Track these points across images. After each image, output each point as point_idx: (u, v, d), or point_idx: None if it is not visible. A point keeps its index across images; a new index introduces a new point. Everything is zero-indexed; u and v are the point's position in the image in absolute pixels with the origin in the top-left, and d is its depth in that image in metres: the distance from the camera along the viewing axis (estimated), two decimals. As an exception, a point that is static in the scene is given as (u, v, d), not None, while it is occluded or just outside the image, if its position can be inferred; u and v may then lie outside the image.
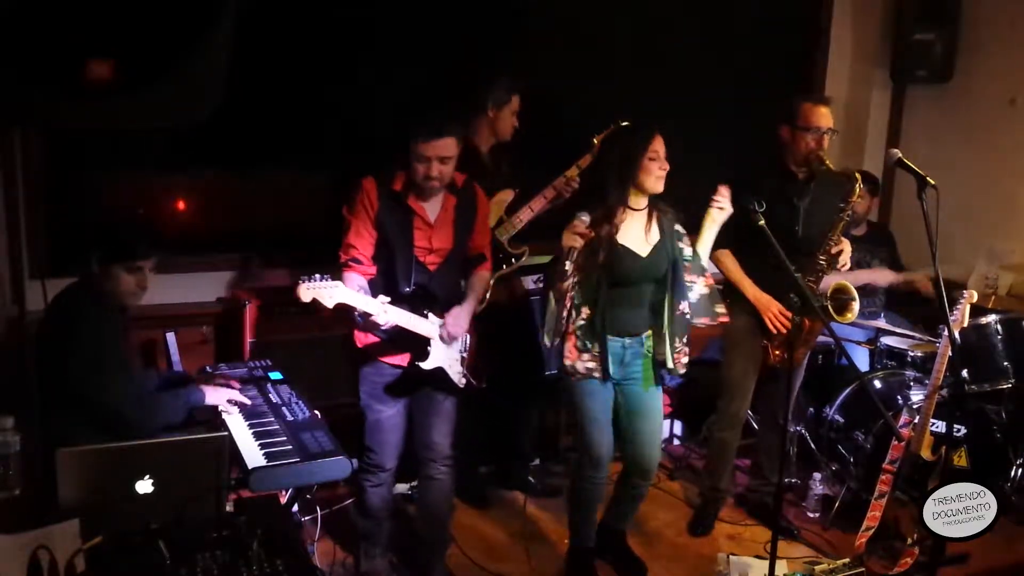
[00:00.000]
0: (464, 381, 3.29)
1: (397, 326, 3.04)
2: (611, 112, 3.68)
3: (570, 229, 2.95)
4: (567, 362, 3.16)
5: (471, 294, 3.29)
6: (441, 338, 3.16)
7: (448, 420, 3.31)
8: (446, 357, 3.21)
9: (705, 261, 3.29)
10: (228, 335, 3.92)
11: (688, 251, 3.24)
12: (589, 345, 3.14)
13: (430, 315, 3.14)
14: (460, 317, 3.17)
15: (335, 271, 3.04)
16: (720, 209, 3.23)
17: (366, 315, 2.97)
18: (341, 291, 2.87)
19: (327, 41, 3.95)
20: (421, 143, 2.99)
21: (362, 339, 3.23)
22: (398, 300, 3.07)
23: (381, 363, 3.22)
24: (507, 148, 3.92)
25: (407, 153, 3.04)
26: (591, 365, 3.15)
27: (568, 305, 3.07)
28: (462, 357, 3.29)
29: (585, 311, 3.13)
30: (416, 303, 3.12)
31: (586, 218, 2.97)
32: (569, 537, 3.55)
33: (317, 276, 2.83)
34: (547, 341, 3.13)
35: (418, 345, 3.14)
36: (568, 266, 2.94)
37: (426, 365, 3.14)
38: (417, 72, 4.11)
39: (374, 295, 3.03)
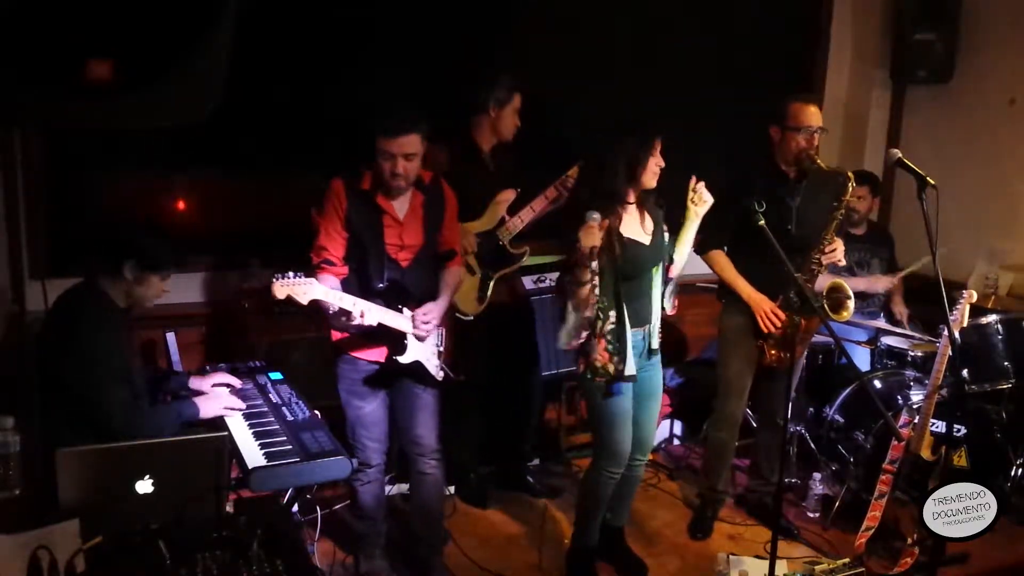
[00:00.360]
0: (442, 374, 3.31)
1: (375, 323, 3.05)
2: (611, 112, 3.68)
3: (587, 230, 2.93)
4: (597, 364, 3.12)
5: (444, 290, 3.30)
6: (416, 337, 3.18)
7: (431, 413, 3.33)
8: (423, 351, 3.22)
9: (683, 254, 3.31)
10: (227, 335, 3.92)
11: (667, 236, 3.27)
12: (619, 346, 3.14)
13: (405, 310, 3.15)
14: (428, 315, 3.17)
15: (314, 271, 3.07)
16: (695, 204, 3.25)
17: (342, 313, 2.98)
18: (315, 288, 2.88)
19: (327, 41, 3.95)
20: (386, 140, 3.00)
21: (337, 334, 3.24)
22: (372, 296, 3.09)
23: (358, 360, 3.23)
24: (508, 148, 3.92)
25: (373, 152, 3.05)
26: (622, 367, 3.14)
27: (593, 307, 3.06)
28: (439, 351, 3.31)
29: (612, 314, 3.12)
30: (390, 299, 3.13)
31: (597, 216, 2.96)
32: (571, 536, 3.55)
33: (291, 273, 2.83)
34: (564, 343, 3.12)
35: (395, 340, 3.15)
36: (595, 266, 2.94)
37: (404, 359, 3.15)
38: (417, 72, 4.11)
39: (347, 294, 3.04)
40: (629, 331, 3.12)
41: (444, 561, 3.51)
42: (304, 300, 2.86)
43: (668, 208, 3.30)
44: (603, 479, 3.33)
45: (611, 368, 3.13)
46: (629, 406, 3.23)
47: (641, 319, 3.20)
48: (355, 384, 3.25)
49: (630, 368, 3.12)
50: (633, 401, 3.28)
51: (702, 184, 3.24)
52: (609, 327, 3.11)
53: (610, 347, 3.12)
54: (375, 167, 3.09)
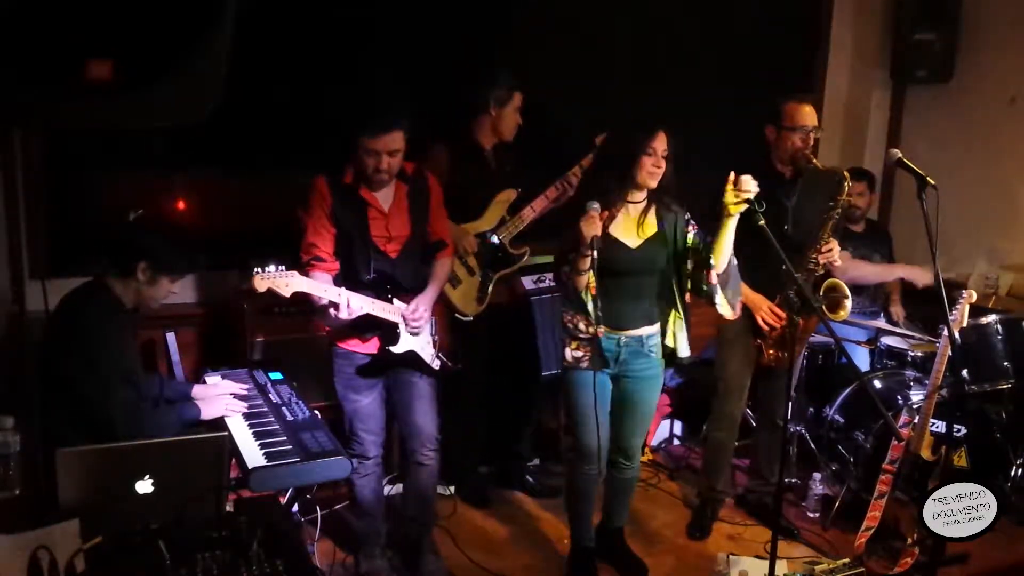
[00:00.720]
0: (438, 363, 3.32)
1: (364, 314, 3.06)
2: (611, 112, 3.68)
3: (588, 219, 2.93)
4: (565, 352, 3.18)
5: (432, 281, 3.32)
6: (410, 332, 3.20)
7: (428, 402, 3.34)
8: (417, 341, 3.24)
9: (719, 257, 3.12)
10: (227, 335, 3.92)
11: (691, 237, 3.20)
12: (584, 339, 3.15)
13: (395, 300, 3.17)
14: (419, 308, 3.19)
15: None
16: (735, 205, 3.00)
17: (331, 305, 2.99)
18: (297, 280, 2.89)
19: (327, 41, 3.95)
20: (370, 139, 3.03)
21: (331, 328, 3.26)
22: (361, 288, 3.10)
23: (352, 353, 3.25)
24: (509, 148, 3.92)
25: (355, 148, 3.07)
26: (579, 354, 3.16)
27: (594, 294, 3.06)
28: (433, 340, 3.32)
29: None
30: (380, 290, 3.15)
31: (597, 206, 2.97)
32: (569, 537, 3.55)
33: (272, 266, 2.83)
34: (598, 331, 3.12)
35: (387, 330, 3.17)
36: (596, 255, 2.92)
37: (397, 349, 3.17)
38: (417, 72, 4.11)
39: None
40: (601, 329, 3.11)
41: (433, 539, 3.56)
42: (286, 293, 2.87)
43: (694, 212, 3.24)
44: (576, 476, 3.35)
45: (568, 355, 3.17)
46: (591, 401, 3.15)
47: (618, 323, 3.17)
48: (351, 377, 3.26)
49: (596, 360, 3.12)
50: (615, 406, 3.29)
51: (747, 178, 2.98)
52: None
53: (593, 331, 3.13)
54: (357, 163, 3.11)
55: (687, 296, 3.27)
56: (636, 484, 3.62)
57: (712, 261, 3.11)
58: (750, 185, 2.98)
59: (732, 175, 3.01)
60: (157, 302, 2.96)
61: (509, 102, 3.81)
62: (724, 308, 3.20)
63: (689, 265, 3.20)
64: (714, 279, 3.14)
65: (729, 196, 2.99)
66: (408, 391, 3.32)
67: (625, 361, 3.22)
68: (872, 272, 4.39)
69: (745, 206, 3.00)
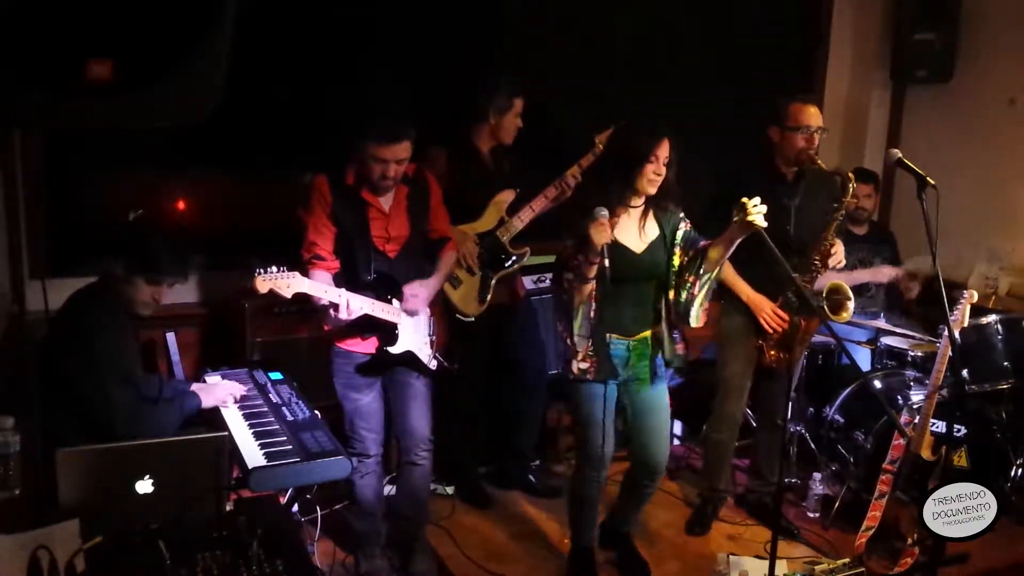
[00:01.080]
0: (435, 363, 3.33)
1: (363, 314, 3.07)
2: (611, 112, 3.69)
3: (598, 226, 2.89)
4: (571, 362, 3.16)
5: (436, 273, 3.34)
6: (405, 312, 3.20)
7: (424, 403, 3.36)
8: (415, 341, 3.24)
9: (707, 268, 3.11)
10: (227, 335, 3.93)
11: (681, 233, 3.18)
12: (592, 347, 3.13)
13: (395, 301, 3.18)
14: (418, 291, 3.21)
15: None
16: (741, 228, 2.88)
17: (331, 306, 2.99)
18: (298, 281, 2.89)
19: (327, 41, 3.96)
20: (379, 147, 3.02)
21: (331, 328, 3.26)
22: (361, 288, 3.11)
23: (351, 352, 3.26)
24: (508, 149, 3.92)
25: (358, 151, 3.07)
26: (584, 365, 3.14)
27: (595, 304, 3.05)
28: (431, 340, 3.33)
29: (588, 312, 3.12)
30: (379, 290, 3.16)
31: (606, 212, 2.93)
32: (570, 537, 3.55)
33: (273, 268, 2.83)
34: (579, 346, 3.11)
35: (385, 330, 3.18)
36: (607, 263, 2.88)
37: (395, 349, 3.18)
38: (417, 72, 4.11)
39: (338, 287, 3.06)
40: (608, 336, 3.11)
41: (426, 538, 3.57)
42: (287, 294, 2.87)
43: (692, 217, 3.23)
44: (583, 484, 3.33)
45: (574, 367, 3.14)
46: (599, 411, 3.14)
47: (625, 328, 3.17)
48: (350, 377, 3.27)
49: (603, 370, 3.11)
50: (630, 418, 3.28)
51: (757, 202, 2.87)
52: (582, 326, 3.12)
53: (579, 346, 3.12)
54: (361, 167, 3.11)
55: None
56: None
57: (704, 265, 3.09)
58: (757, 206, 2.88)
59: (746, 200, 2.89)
60: (140, 307, 2.92)
61: (509, 110, 3.79)
62: (695, 320, 3.17)
63: (676, 262, 3.17)
64: (697, 289, 3.12)
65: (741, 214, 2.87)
66: (404, 392, 3.33)
67: (634, 364, 3.21)
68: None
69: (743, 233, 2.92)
